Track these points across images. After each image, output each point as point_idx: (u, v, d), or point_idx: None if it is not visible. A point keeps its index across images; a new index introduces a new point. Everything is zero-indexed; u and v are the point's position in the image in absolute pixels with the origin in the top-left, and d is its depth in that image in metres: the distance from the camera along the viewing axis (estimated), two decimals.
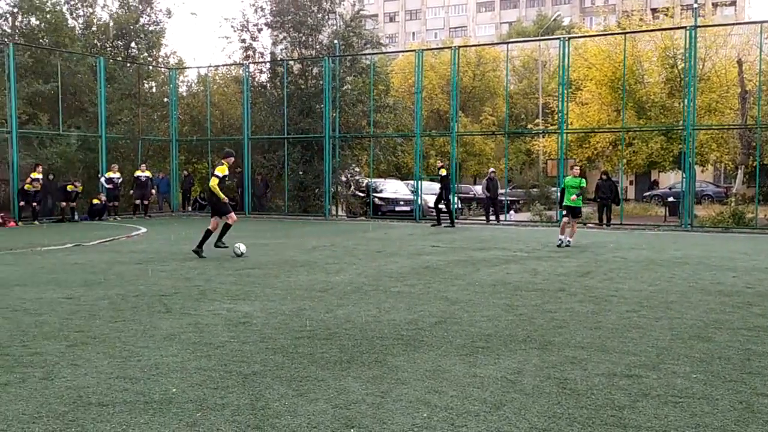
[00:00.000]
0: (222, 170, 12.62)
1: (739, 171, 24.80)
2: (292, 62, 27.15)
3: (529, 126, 37.02)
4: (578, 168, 15.88)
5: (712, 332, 6.63)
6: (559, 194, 15.79)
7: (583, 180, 15.27)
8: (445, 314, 7.44)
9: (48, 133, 24.04)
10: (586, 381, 5.04)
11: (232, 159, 13.14)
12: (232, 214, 12.94)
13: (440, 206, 21.10)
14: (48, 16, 26.33)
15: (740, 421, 4.26)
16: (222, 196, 12.64)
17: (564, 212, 15.22)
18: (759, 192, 23.04)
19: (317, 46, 27.31)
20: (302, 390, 4.81)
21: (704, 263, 12.05)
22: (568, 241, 14.89)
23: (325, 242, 15.71)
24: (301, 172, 26.37)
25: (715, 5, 60.95)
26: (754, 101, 22.70)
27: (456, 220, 21.63)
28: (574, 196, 14.88)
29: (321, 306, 7.87)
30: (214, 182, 12.58)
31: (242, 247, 12.59)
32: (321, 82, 25.71)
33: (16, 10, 26.04)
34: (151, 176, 25.51)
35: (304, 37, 27.21)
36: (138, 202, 25.01)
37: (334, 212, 25.59)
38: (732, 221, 20.85)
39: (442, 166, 20.97)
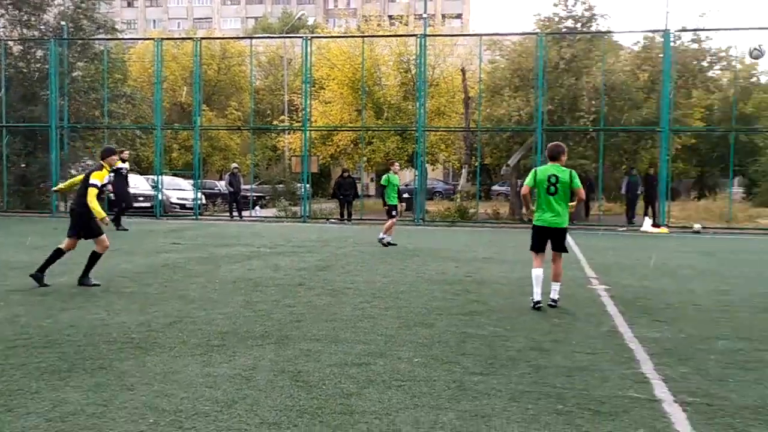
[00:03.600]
0: (100, 176, 8.92)
1: (464, 170, 27.14)
2: (11, 43, 24.48)
3: (275, 122, 37.23)
4: (397, 164, 15.85)
5: (434, 318, 7.18)
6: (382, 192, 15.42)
7: (396, 177, 15.08)
8: (182, 314, 7.19)
9: None
10: (318, 372, 5.17)
11: (115, 158, 9.53)
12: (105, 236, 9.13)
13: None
14: None
15: (453, 398, 4.64)
16: (99, 211, 8.85)
17: (394, 212, 14.84)
18: (479, 189, 25.52)
19: (42, 27, 24.93)
20: (11, 405, 4.34)
21: (432, 255, 13.03)
22: (385, 237, 14.53)
23: (47, 242, 14.35)
24: (23, 165, 23.95)
25: (444, 17, 66.43)
26: (475, 107, 25.03)
27: (200, 217, 21.04)
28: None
29: (36, 311, 7.17)
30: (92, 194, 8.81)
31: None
32: (46, 66, 23.51)
33: None
34: None
35: (26, 16, 24.71)
36: None
37: (63, 208, 23.52)
38: (457, 216, 22.84)
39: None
